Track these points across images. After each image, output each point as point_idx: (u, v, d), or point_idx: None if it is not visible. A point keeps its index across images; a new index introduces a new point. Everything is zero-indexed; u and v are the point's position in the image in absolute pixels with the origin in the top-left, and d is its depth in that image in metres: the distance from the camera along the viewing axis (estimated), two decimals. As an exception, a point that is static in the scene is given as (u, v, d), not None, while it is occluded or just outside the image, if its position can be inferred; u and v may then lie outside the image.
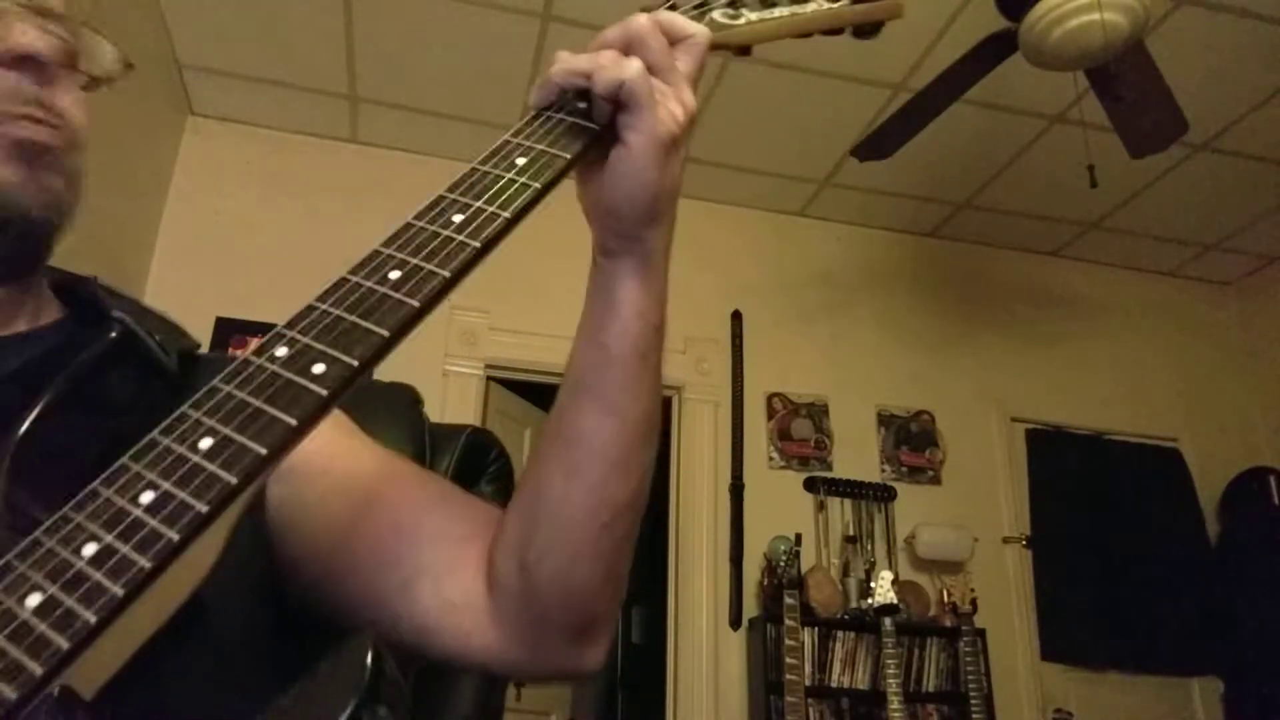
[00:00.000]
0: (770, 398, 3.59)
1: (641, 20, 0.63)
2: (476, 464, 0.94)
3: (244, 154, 3.42)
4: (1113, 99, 2.53)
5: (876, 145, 2.85)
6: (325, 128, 3.48)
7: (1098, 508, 3.67)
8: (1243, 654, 3.52)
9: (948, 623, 3.22)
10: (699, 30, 0.66)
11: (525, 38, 2.96)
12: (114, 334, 0.61)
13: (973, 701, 3.00)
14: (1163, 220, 3.80)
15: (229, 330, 3.15)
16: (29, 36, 0.62)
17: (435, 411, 0.98)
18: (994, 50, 2.48)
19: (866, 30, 0.76)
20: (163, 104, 3.23)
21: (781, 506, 3.42)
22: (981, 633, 3.22)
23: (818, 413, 3.61)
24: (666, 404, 3.51)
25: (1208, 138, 3.27)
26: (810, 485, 3.48)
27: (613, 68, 0.59)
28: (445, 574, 0.64)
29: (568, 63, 0.62)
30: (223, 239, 3.29)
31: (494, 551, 0.64)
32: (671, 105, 0.61)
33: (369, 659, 0.42)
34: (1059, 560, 3.59)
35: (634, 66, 0.59)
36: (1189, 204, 3.68)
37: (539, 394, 3.53)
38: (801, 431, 3.56)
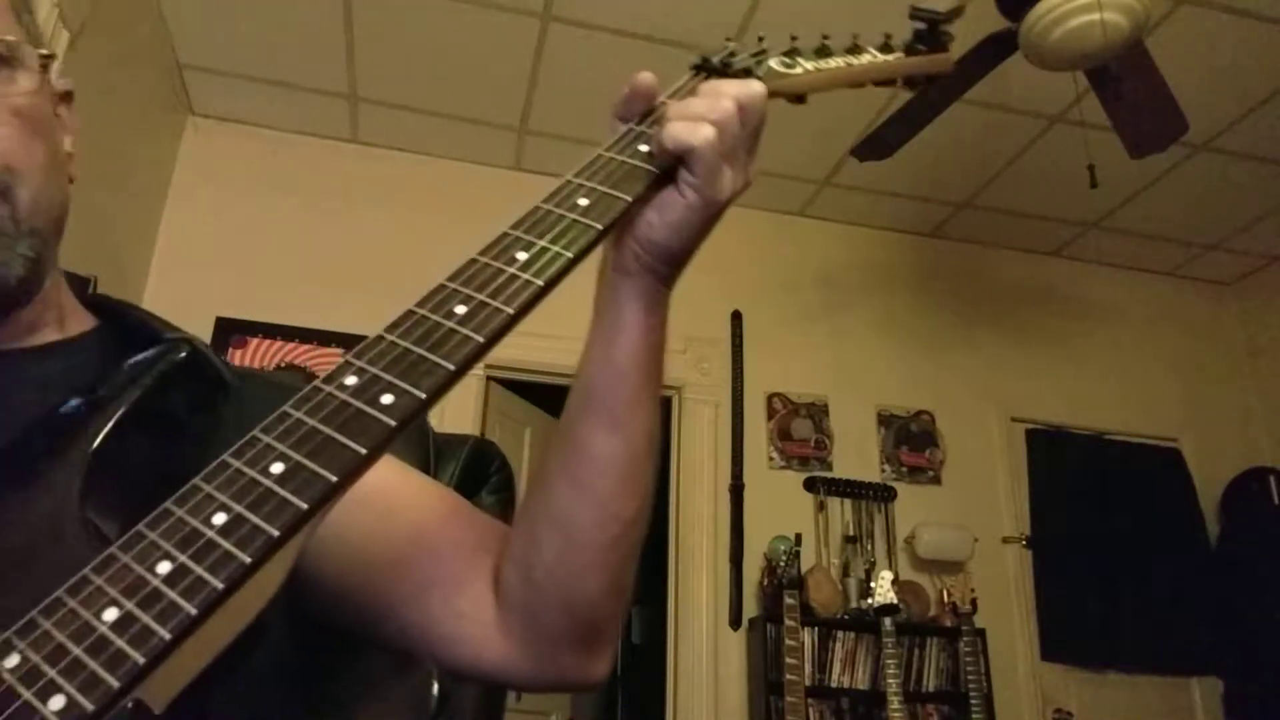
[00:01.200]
0: (770, 398, 3.59)
1: (758, 91, 0.63)
2: (479, 473, 0.94)
3: (244, 154, 3.42)
4: (1113, 99, 2.53)
5: (876, 145, 2.84)
6: (325, 128, 3.47)
7: (1098, 508, 3.67)
8: (1243, 654, 3.52)
9: (948, 623, 3.22)
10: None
11: (525, 38, 2.96)
12: (183, 354, 0.62)
13: (973, 701, 3.00)
14: (1163, 220, 3.80)
15: (229, 330, 3.15)
16: None
17: (436, 412, 0.97)
18: (994, 50, 2.48)
19: (916, 82, 0.78)
20: (163, 104, 3.22)
21: (781, 507, 3.41)
22: (981, 633, 3.21)
23: (818, 413, 3.60)
24: (666, 404, 3.51)
25: (1208, 138, 3.27)
26: (810, 485, 3.48)
27: (690, 130, 0.59)
28: (456, 585, 0.65)
29: (652, 82, 0.64)
30: (223, 239, 3.28)
31: (502, 564, 0.65)
32: (735, 175, 0.62)
33: (435, 689, 0.43)
34: (1059, 560, 3.59)
35: (706, 134, 0.59)
36: (1189, 204, 3.68)
37: (539, 394, 3.53)
38: (801, 431, 3.56)
